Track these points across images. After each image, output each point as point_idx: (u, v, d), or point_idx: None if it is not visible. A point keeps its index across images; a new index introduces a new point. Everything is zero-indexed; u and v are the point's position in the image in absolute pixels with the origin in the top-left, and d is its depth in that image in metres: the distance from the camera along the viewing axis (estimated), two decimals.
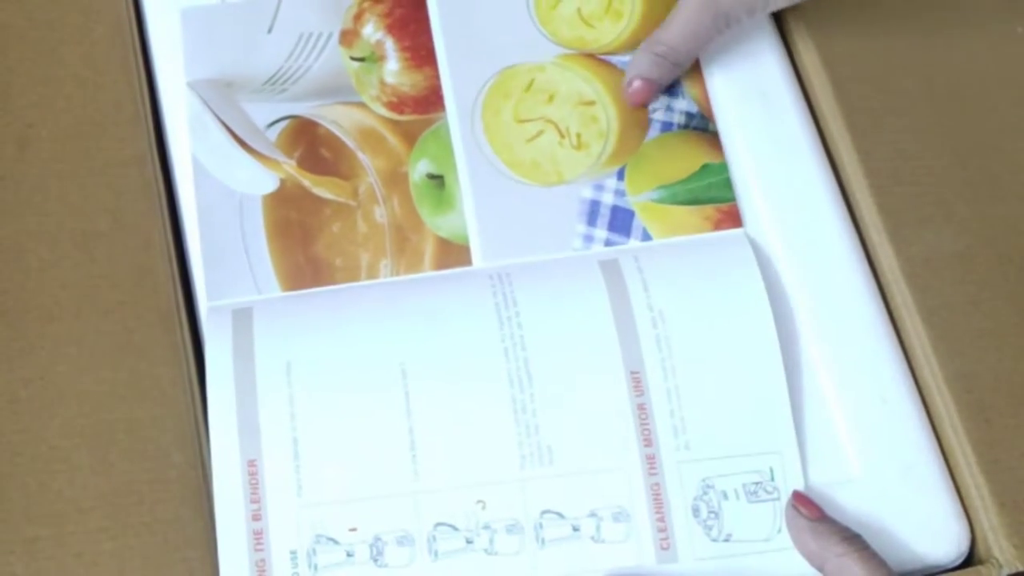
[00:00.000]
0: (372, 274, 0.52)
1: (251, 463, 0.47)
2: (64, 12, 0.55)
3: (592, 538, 0.46)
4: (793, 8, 0.56)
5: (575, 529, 0.47)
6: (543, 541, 0.46)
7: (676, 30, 0.54)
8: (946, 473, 0.50)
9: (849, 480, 0.49)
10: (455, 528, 0.46)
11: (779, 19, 0.58)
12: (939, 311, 0.51)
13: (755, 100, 0.55)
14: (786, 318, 0.51)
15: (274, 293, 0.51)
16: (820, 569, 0.47)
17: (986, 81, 0.57)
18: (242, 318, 0.50)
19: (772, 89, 0.56)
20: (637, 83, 0.54)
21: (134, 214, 0.52)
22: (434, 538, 0.46)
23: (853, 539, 0.46)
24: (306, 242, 0.52)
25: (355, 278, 0.52)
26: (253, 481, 0.46)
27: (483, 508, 0.46)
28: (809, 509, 0.47)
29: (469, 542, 0.46)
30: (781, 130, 0.55)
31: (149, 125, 0.54)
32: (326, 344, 0.49)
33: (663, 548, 0.46)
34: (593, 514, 0.47)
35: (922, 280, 0.52)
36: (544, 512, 0.47)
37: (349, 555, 0.46)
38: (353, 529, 0.46)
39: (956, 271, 0.52)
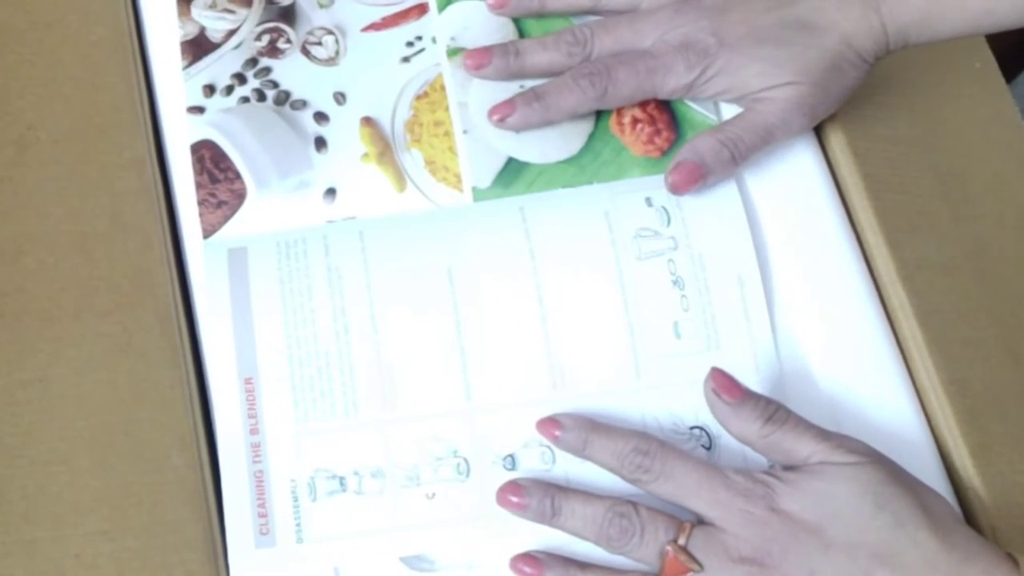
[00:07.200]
0: None
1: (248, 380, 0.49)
2: (64, 13, 0.54)
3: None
4: None
5: None
6: None
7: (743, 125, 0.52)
8: (945, 474, 0.50)
9: None
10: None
11: None
12: (932, 316, 0.52)
13: None
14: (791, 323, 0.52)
15: None
16: (751, 447, 0.47)
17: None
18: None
19: None
20: (688, 163, 0.51)
21: (133, 216, 0.52)
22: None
23: (774, 417, 0.46)
24: None
25: None
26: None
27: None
28: (729, 392, 0.46)
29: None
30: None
31: (148, 127, 0.54)
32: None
33: None
34: None
35: (916, 285, 0.52)
36: None
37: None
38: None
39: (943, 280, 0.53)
